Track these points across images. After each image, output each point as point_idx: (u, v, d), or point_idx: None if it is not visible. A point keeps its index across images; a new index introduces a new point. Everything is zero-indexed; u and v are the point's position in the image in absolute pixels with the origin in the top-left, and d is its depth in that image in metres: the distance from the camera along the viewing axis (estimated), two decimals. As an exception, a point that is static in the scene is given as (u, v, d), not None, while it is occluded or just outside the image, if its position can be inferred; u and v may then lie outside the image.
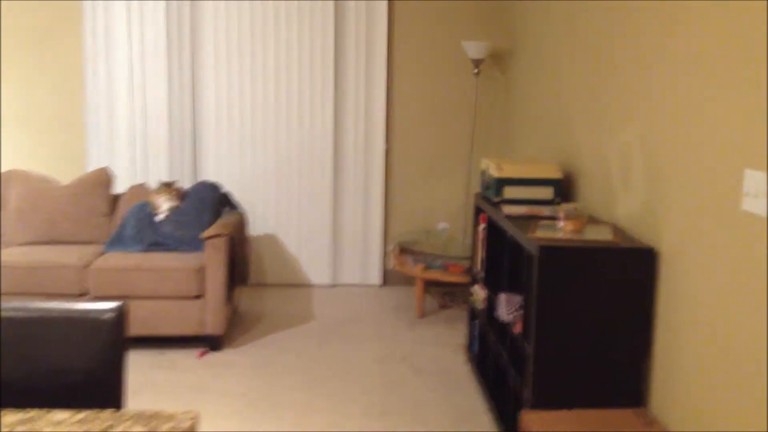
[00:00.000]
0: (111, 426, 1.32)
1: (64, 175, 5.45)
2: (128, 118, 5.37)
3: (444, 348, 4.30)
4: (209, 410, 3.45)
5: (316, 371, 3.93)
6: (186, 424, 1.33)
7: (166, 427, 1.32)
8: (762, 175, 2.01)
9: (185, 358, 4.07)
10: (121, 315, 1.89)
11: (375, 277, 5.61)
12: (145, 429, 1.32)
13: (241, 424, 3.32)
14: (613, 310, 2.71)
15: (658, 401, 2.67)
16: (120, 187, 5.40)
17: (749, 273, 2.08)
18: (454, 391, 3.70)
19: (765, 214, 1.99)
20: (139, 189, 4.84)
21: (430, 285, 5.56)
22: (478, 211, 3.95)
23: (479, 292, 3.84)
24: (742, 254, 2.12)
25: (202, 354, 4.13)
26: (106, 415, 1.37)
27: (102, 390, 1.84)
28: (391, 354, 4.19)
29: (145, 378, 3.81)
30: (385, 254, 5.60)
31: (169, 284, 4.08)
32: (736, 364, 2.14)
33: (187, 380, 3.78)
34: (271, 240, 5.54)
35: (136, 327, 4.09)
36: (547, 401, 2.74)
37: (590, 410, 2.71)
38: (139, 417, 1.37)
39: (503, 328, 3.39)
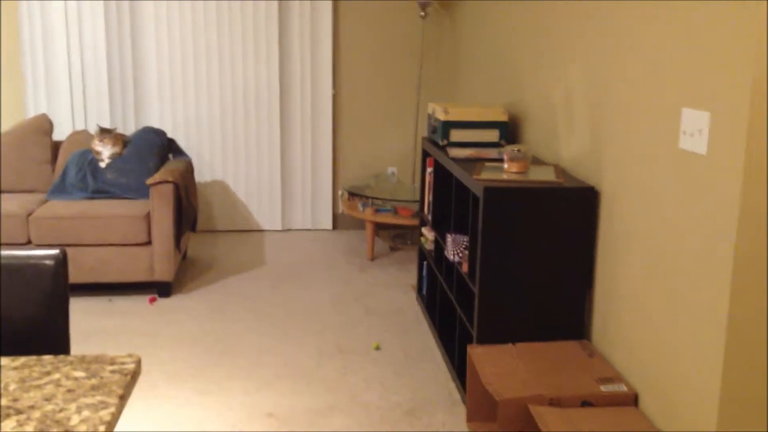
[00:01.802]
0: (51, 370, 1.32)
1: (2, 123, 5.27)
2: (66, 65, 5.19)
3: (395, 289, 4.37)
4: (162, 355, 3.46)
5: (269, 314, 3.96)
6: (129, 367, 1.33)
7: (108, 370, 1.33)
8: (698, 113, 2.06)
9: (135, 305, 4.05)
10: (61, 261, 1.88)
11: (326, 221, 5.62)
12: (87, 373, 1.32)
13: (194, 367, 3.34)
14: (555, 248, 2.78)
15: (599, 333, 2.78)
16: (60, 134, 5.25)
17: (686, 210, 2.15)
18: (406, 329, 3.78)
19: (702, 152, 2.05)
20: (80, 136, 4.72)
21: (380, 228, 5.61)
22: (426, 154, 3.98)
23: (428, 234, 3.89)
24: (680, 192, 2.19)
25: (153, 300, 4.11)
26: (47, 360, 1.36)
27: (47, 338, 1.83)
28: (343, 296, 4.24)
29: (95, 325, 3.79)
30: (335, 198, 5.61)
31: (115, 232, 4.03)
32: (671, 297, 2.23)
33: (138, 326, 3.77)
34: (219, 186, 5.48)
35: (83, 274, 4.05)
36: (493, 336, 2.82)
37: (535, 343, 2.81)
38: (81, 361, 1.37)
39: (451, 268, 3.45)
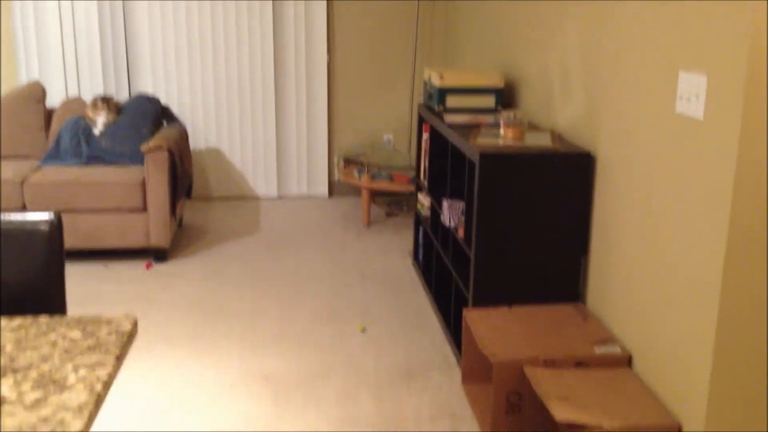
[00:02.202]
0: (47, 331, 1.33)
1: (-6, 88, 5.23)
2: (58, 32, 5.12)
3: (391, 255, 4.38)
4: (158, 319, 3.47)
5: (264, 280, 3.97)
6: (125, 328, 1.34)
7: (104, 330, 1.33)
8: (695, 77, 2.05)
9: (132, 271, 4.06)
10: (56, 225, 1.88)
11: (321, 188, 5.61)
12: (83, 333, 1.33)
13: (190, 331, 3.36)
14: (551, 214, 2.79)
15: (593, 297, 2.79)
16: (53, 102, 5.21)
17: (682, 176, 2.15)
18: (401, 294, 3.80)
19: (699, 116, 2.05)
20: (73, 103, 4.68)
21: (376, 195, 5.60)
22: (422, 120, 3.96)
23: (424, 200, 3.89)
24: (676, 157, 2.18)
25: (149, 266, 4.12)
26: (43, 321, 1.37)
27: (44, 302, 1.83)
28: (339, 261, 4.25)
29: (92, 290, 3.80)
30: (331, 166, 5.59)
31: (110, 198, 4.02)
32: (666, 261, 2.24)
33: (134, 291, 3.78)
34: (214, 154, 5.46)
35: (79, 240, 4.05)
36: (488, 300, 2.84)
37: (530, 306, 2.83)
38: (77, 322, 1.37)
39: (447, 233, 3.45)
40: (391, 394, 2.84)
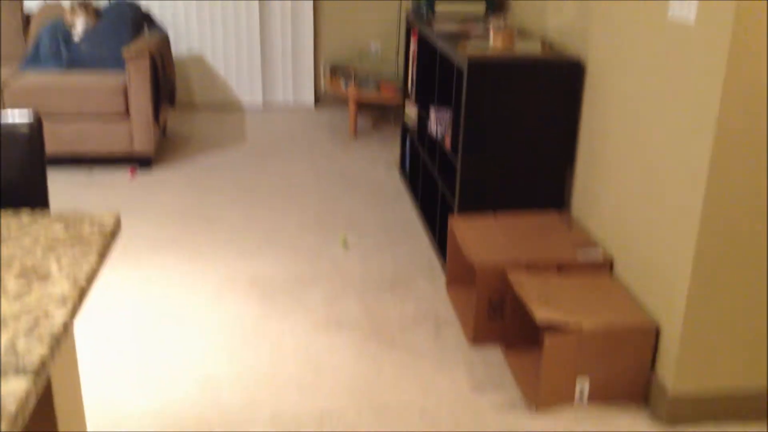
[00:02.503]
0: (29, 225, 1.32)
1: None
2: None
3: (377, 166, 4.36)
4: (144, 227, 3.48)
5: (250, 189, 3.96)
6: (108, 224, 1.33)
7: (87, 226, 1.33)
8: (688, -24, 2.00)
9: (116, 179, 4.04)
10: (35, 127, 1.85)
11: (307, 98, 5.53)
12: (66, 229, 1.32)
13: (177, 238, 3.37)
14: (539, 122, 2.77)
15: (578, 204, 2.81)
16: (31, 7, 5.04)
17: (670, 82, 2.13)
18: (388, 204, 3.81)
19: (690, 21, 2.00)
20: (52, 8, 4.53)
21: (363, 106, 5.54)
22: (410, 28, 3.87)
23: (411, 109, 3.85)
24: (666, 64, 2.15)
25: (134, 172, 4.09)
26: (25, 216, 1.36)
27: (26, 203, 1.82)
28: (325, 172, 4.24)
29: (76, 197, 3.78)
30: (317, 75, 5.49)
31: (92, 103, 3.95)
32: (651, 168, 2.25)
33: (119, 199, 3.77)
34: (197, 61, 5.34)
35: (62, 146, 4.00)
36: (474, 208, 2.85)
37: (515, 213, 2.85)
38: (59, 218, 1.37)
39: (434, 143, 3.44)
40: (376, 299, 2.89)
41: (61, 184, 3.93)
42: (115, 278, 3.02)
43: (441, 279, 3.05)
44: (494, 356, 2.52)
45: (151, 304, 2.83)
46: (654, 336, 2.20)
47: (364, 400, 2.29)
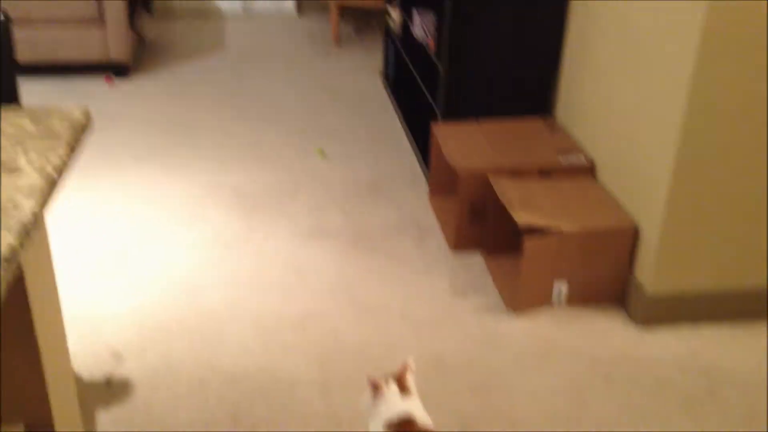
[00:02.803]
0: (-2, 117, 1.28)
1: None
2: None
3: (360, 74, 4.28)
4: (124, 136, 3.42)
5: (230, 97, 3.89)
6: (77, 118, 1.29)
7: (56, 120, 1.29)
8: None
9: (94, 88, 3.94)
10: (4, 22, 1.81)
11: (289, 5, 5.37)
12: (34, 123, 1.28)
13: (157, 148, 3.32)
14: (525, 26, 2.70)
15: (562, 109, 2.78)
16: None
17: (657, -26, 2.06)
18: (371, 113, 3.76)
19: None
20: None
21: (345, 12, 5.38)
22: (394, -74, 3.71)
23: (395, 13, 3.74)
24: (653, -46, 2.08)
25: (110, 80, 4.00)
26: (-6, 109, 1.31)
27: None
28: (307, 80, 4.15)
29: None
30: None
31: (66, 8, 3.81)
32: (636, 72, 2.21)
33: (97, 108, 3.69)
34: (175, -35, 5.14)
35: (37, 54, 3.88)
36: (457, 115, 2.81)
37: (498, 120, 2.81)
38: (27, 112, 1.33)
39: (418, 48, 3.36)
40: (359, 207, 2.88)
41: (37, 94, 3.83)
42: (96, 188, 2.99)
43: (423, 187, 3.04)
44: (475, 262, 2.54)
45: (132, 213, 2.81)
46: (633, 237, 2.21)
47: (346, 303, 2.32)
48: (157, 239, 2.64)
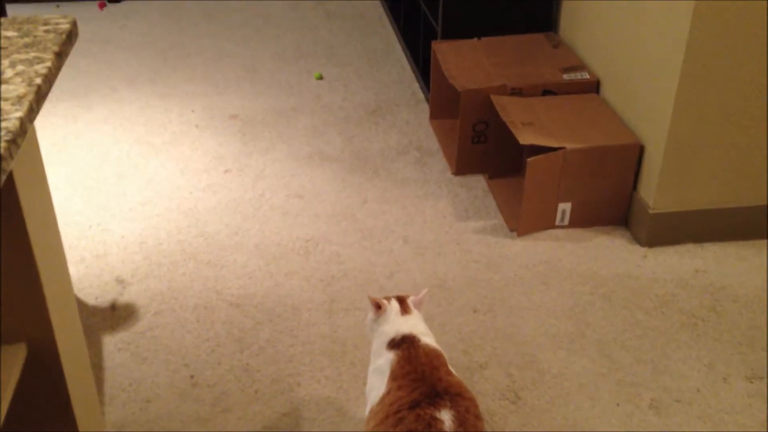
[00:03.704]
0: (-18, 35, 1.23)
1: None
2: None
3: (357, -6, 4.16)
4: (118, 60, 3.35)
5: (225, 18, 3.78)
6: (64, 27, 1.25)
7: (42, 29, 1.24)
8: None
9: (85, 11, 3.84)
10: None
11: None
12: (19, 32, 1.23)
13: (152, 72, 3.25)
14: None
15: (566, 24, 2.70)
16: None
17: None
18: (369, 32, 3.67)
19: None
20: None
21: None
22: None
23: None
24: None
25: (102, 5, 3.89)
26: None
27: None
28: (304, 1, 4.03)
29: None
30: None
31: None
32: (642, -21, 2.13)
33: (90, 32, 3.60)
34: None
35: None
36: (458, 32, 2.73)
37: (500, 37, 2.74)
38: (11, 21, 1.28)
39: (416, -36, 3.24)
40: (359, 130, 2.84)
41: (25, 19, 3.73)
42: (90, 112, 2.94)
43: (424, 108, 2.98)
44: (477, 185, 2.52)
45: (128, 138, 2.77)
46: (637, 155, 2.18)
47: (348, 227, 2.31)
48: (154, 164, 2.61)
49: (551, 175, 2.18)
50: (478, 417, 1.36)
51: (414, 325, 1.46)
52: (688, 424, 1.63)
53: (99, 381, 1.73)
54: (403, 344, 1.41)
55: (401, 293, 1.59)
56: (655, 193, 2.14)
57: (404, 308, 1.49)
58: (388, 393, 1.35)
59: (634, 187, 2.23)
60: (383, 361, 1.40)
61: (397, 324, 1.45)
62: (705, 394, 1.72)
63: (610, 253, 2.19)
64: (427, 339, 1.44)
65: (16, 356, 1.10)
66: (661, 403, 1.69)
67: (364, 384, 1.48)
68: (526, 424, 1.62)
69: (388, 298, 1.51)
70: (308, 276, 2.09)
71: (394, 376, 1.36)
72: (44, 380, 1.14)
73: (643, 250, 2.20)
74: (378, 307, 1.47)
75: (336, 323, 1.92)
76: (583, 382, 1.74)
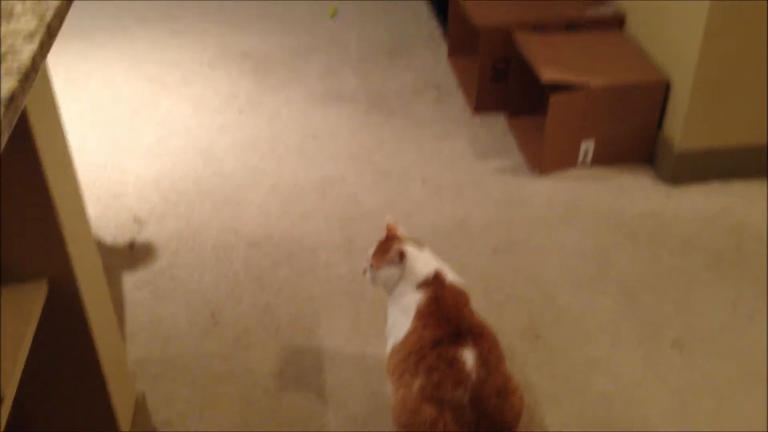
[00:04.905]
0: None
1: None
2: None
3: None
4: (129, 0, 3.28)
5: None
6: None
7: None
8: None
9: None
10: None
11: None
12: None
13: (164, 10, 3.18)
14: None
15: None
16: None
17: None
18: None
19: None
20: None
21: None
22: None
23: None
24: None
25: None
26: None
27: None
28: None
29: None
30: None
31: None
32: None
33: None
34: None
35: None
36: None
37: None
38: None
39: None
40: (374, 70, 2.78)
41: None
42: (103, 50, 2.89)
43: (442, 47, 2.91)
44: (497, 124, 2.47)
45: (141, 79, 2.73)
46: (663, 92, 2.12)
47: (365, 167, 2.27)
48: (167, 104, 2.57)
49: (574, 113, 2.12)
50: (499, 357, 1.35)
51: (435, 261, 1.44)
52: (711, 363, 1.62)
53: (119, 319, 1.73)
54: (433, 284, 1.38)
55: (382, 234, 1.50)
56: (680, 130, 2.08)
57: (417, 243, 1.45)
58: (412, 332, 1.34)
59: (660, 124, 2.18)
60: (408, 300, 1.38)
61: (429, 263, 1.41)
62: (729, 333, 1.70)
63: (633, 192, 2.15)
64: (451, 276, 1.42)
65: (38, 294, 1.09)
66: (684, 342, 1.67)
67: (384, 323, 1.47)
68: (546, 363, 1.62)
69: (388, 243, 1.44)
70: (326, 217, 2.07)
71: (420, 315, 1.35)
72: (66, 316, 1.13)
73: (667, 188, 2.16)
74: (402, 256, 1.40)
75: (354, 264, 1.90)
76: (604, 322, 1.73)
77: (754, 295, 1.80)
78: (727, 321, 1.73)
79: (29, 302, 1.06)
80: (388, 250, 1.41)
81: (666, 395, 1.54)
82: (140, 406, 1.37)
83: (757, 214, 2.06)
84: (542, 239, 1.99)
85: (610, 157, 2.23)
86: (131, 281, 1.85)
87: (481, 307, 1.41)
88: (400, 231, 1.48)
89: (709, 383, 1.57)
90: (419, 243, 1.45)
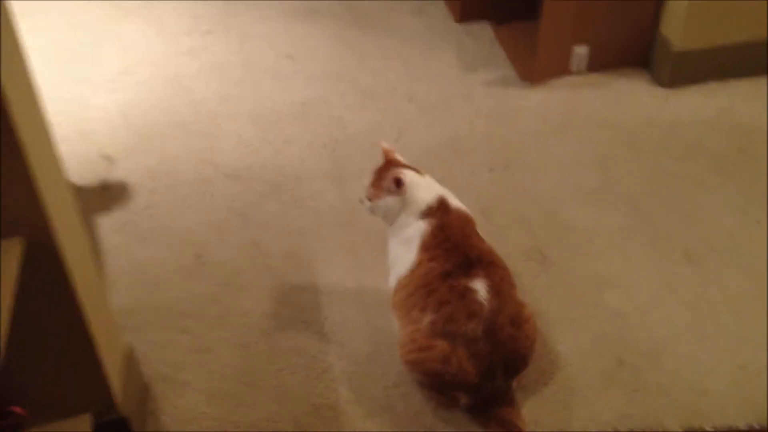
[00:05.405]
0: None
1: None
2: None
3: None
4: None
5: None
6: None
7: None
8: None
9: None
10: None
11: None
12: None
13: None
14: None
15: None
16: None
17: None
18: None
19: None
20: None
21: None
22: None
23: None
24: None
25: None
26: None
27: None
28: None
29: None
30: None
31: None
32: None
33: None
34: None
35: None
36: None
37: None
38: None
39: None
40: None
41: None
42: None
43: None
44: (483, 33, 2.33)
45: (97, 2, 2.52)
46: (662, -10, 1.99)
47: (347, 87, 2.13)
48: (129, 29, 2.38)
49: (568, 16, 1.99)
50: (512, 285, 1.27)
51: (437, 186, 1.33)
52: (724, 272, 1.55)
53: (98, 267, 1.62)
54: (437, 211, 1.28)
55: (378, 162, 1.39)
56: (679, 29, 1.96)
57: (416, 170, 1.34)
58: (419, 264, 1.25)
59: (657, 24, 2.05)
60: (412, 230, 1.28)
61: (431, 189, 1.31)
62: (739, 239, 1.63)
63: (630, 97, 2.05)
64: (454, 200, 1.32)
65: (13, 251, 0.97)
66: (695, 252, 1.61)
67: (383, 254, 1.38)
68: (555, 283, 1.54)
69: (385, 170, 1.33)
70: (309, 142, 1.95)
71: (426, 246, 1.25)
72: (46, 273, 1.02)
73: (665, 91, 2.06)
74: (399, 184, 1.29)
75: (344, 191, 1.79)
76: (611, 236, 1.65)
77: (762, 199, 1.73)
78: (736, 228, 1.66)
79: (6, 261, 0.95)
80: (386, 177, 1.30)
81: (681, 310, 1.48)
82: (129, 360, 1.28)
83: (758, 113, 1.98)
84: (539, 153, 1.89)
85: (605, 61, 2.11)
86: (108, 225, 1.72)
87: (481, 230, 1.32)
88: (398, 155, 1.37)
89: (724, 296, 1.51)
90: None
